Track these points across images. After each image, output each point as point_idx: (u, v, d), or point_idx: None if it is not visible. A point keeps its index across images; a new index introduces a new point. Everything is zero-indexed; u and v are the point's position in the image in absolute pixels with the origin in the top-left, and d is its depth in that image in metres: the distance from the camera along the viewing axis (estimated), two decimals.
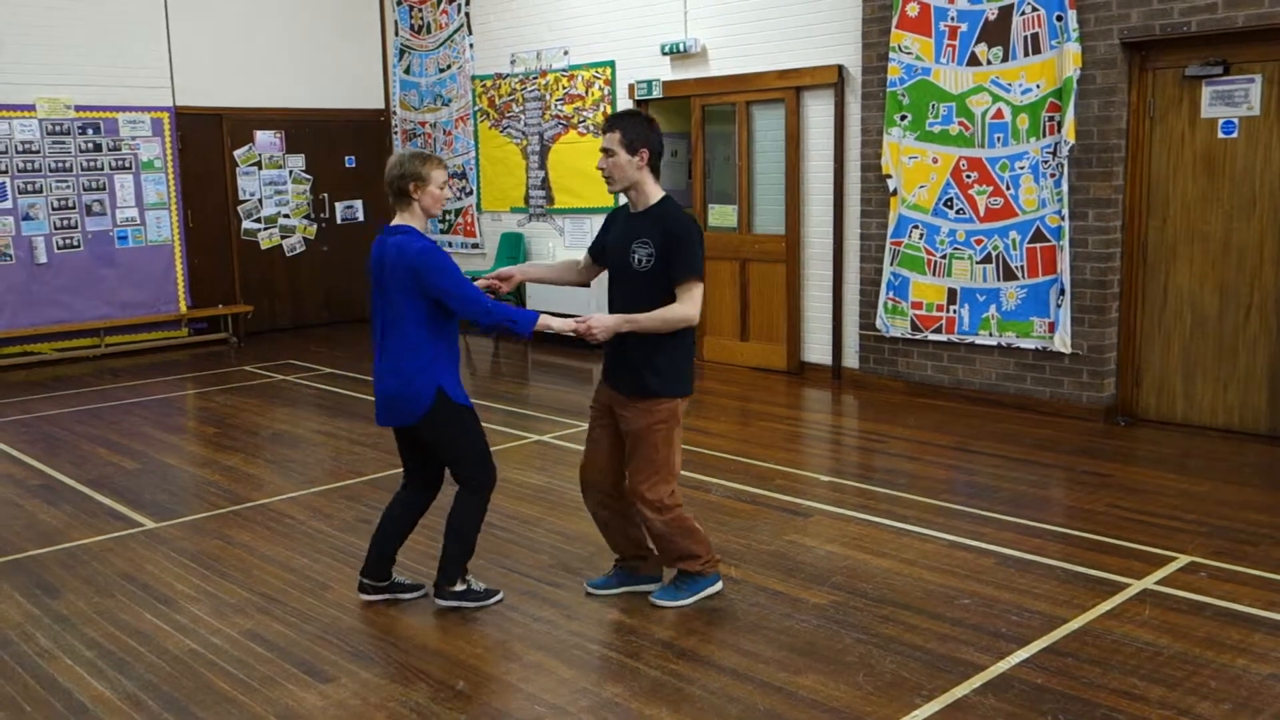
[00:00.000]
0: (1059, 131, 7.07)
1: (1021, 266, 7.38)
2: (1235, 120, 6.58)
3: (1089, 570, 4.59)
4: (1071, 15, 6.93)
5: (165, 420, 8.08)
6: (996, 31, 7.32)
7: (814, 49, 8.51)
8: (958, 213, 7.65)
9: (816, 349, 8.88)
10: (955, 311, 7.76)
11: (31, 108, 10.10)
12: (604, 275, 4.39)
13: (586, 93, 10.39)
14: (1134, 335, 7.12)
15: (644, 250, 4.05)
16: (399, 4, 12.34)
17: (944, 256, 7.77)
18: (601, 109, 10.25)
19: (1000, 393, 7.60)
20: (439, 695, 3.64)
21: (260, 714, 3.53)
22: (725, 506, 5.56)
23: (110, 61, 10.49)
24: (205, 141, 11.36)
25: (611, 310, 4.18)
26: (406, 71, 12.41)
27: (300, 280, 12.23)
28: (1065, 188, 7.10)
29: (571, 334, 4.05)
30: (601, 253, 4.35)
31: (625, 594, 4.41)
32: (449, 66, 11.85)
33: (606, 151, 4.09)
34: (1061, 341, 7.22)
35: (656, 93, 9.67)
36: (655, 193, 4.13)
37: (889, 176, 7.99)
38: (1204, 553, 4.76)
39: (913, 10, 7.72)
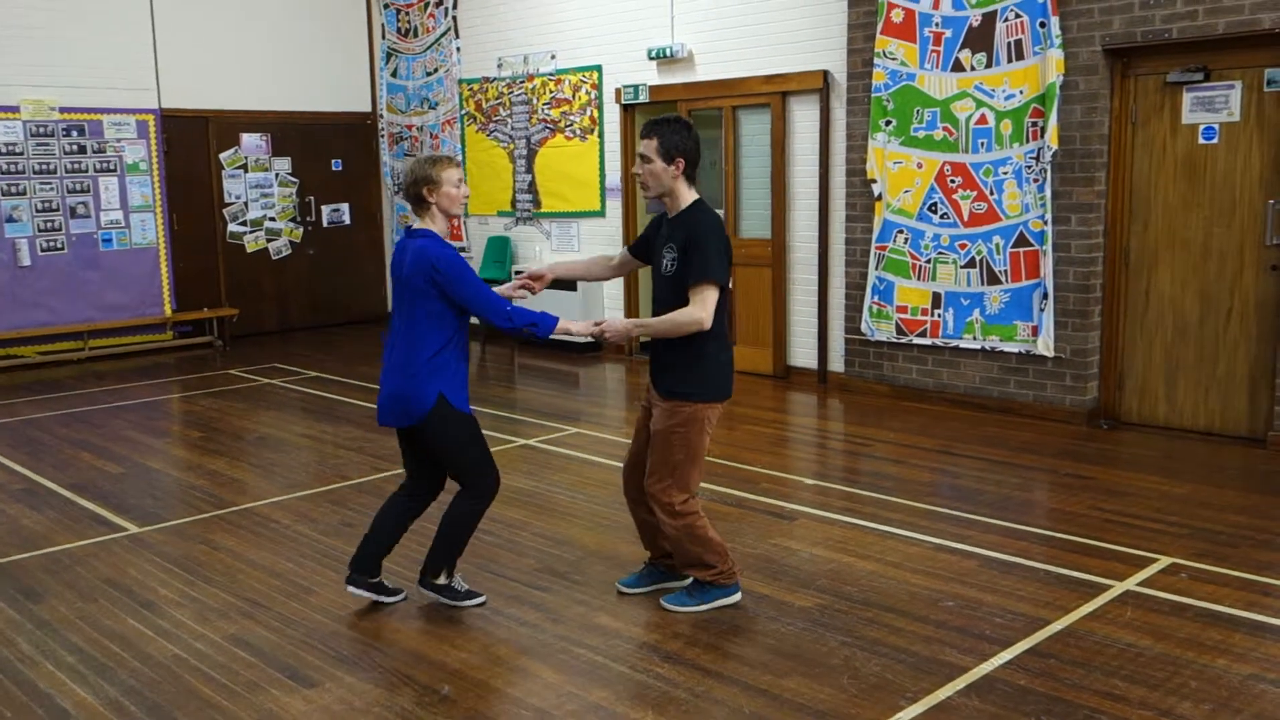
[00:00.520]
0: (1042, 137, 7.12)
1: (1005, 271, 7.42)
2: (1216, 126, 6.63)
3: (1072, 572, 4.62)
4: (1054, 22, 6.98)
5: (149, 424, 8.05)
6: (980, 37, 7.36)
7: (800, 54, 8.55)
8: (942, 217, 7.69)
9: (802, 353, 8.90)
10: (940, 315, 7.79)
11: (16, 109, 10.05)
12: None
13: (573, 97, 10.40)
14: (1116, 339, 7.17)
15: (669, 255, 4.10)
16: (386, 7, 12.33)
17: (928, 261, 7.80)
18: (588, 113, 10.26)
19: (984, 396, 7.64)
20: (424, 700, 3.64)
21: None
22: (711, 510, 5.54)
23: (95, 63, 10.45)
24: (191, 144, 11.32)
25: (654, 312, 4.22)
26: (393, 75, 12.39)
27: (286, 284, 12.20)
28: (1048, 193, 7.14)
29: (590, 337, 4.13)
30: (640, 249, 4.39)
31: (613, 598, 4.42)
32: (436, 70, 11.84)
33: (643, 158, 4.12)
34: (1045, 345, 7.26)
35: (643, 97, 9.69)
36: (687, 198, 4.16)
37: (874, 181, 8.03)
38: (1185, 554, 4.80)
39: (897, 16, 7.76)
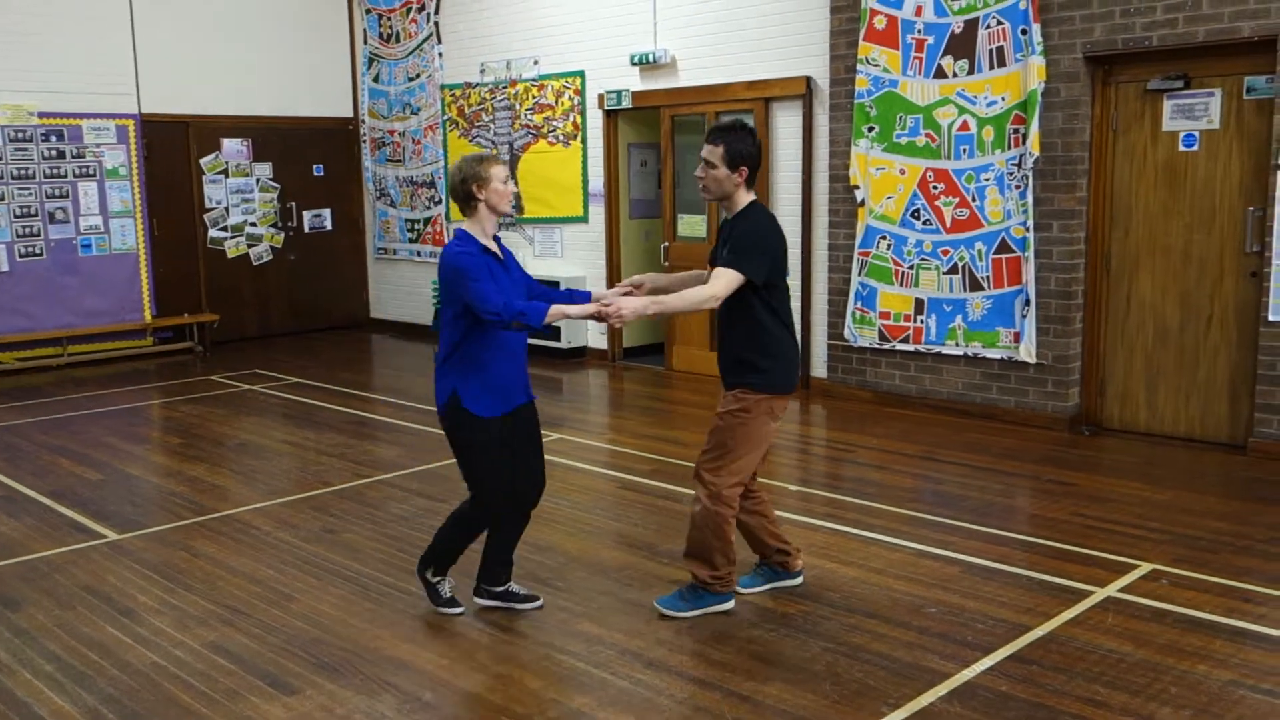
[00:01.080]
0: (1024, 144, 7.15)
1: (987, 277, 7.45)
2: (1196, 134, 6.68)
3: (1053, 578, 4.63)
4: (1036, 29, 7.02)
5: (129, 430, 7.99)
6: (962, 44, 7.40)
7: (783, 60, 8.57)
8: (925, 223, 7.71)
9: None
10: (922, 322, 7.81)
11: None
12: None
13: (556, 102, 10.39)
14: (1098, 345, 7.21)
15: (724, 254, 4.13)
16: (368, 12, 12.30)
17: (911, 267, 7.83)
18: (571, 119, 10.26)
19: (967, 402, 7.66)
20: (405, 707, 3.61)
21: None
22: None
23: (75, 68, 10.38)
24: (171, 149, 11.26)
25: (719, 313, 4.23)
26: (375, 80, 12.36)
27: (267, 289, 12.14)
28: (1030, 199, 7.17)
29: (594, 318, 4.00)
30: (714, 255, 4.40)
31: (595, 604, 4.41)
32: (418, 75, 11.82)
33: (707, 163, 4.14)
34: (1027, 351, 7.29)
35: (626, 103, 9.69)
36: (744, 201, 4.20)
37: (856, 187, 8.05)
38: (1166, 560, 4.82)
39: (880, 23, 7.79)
